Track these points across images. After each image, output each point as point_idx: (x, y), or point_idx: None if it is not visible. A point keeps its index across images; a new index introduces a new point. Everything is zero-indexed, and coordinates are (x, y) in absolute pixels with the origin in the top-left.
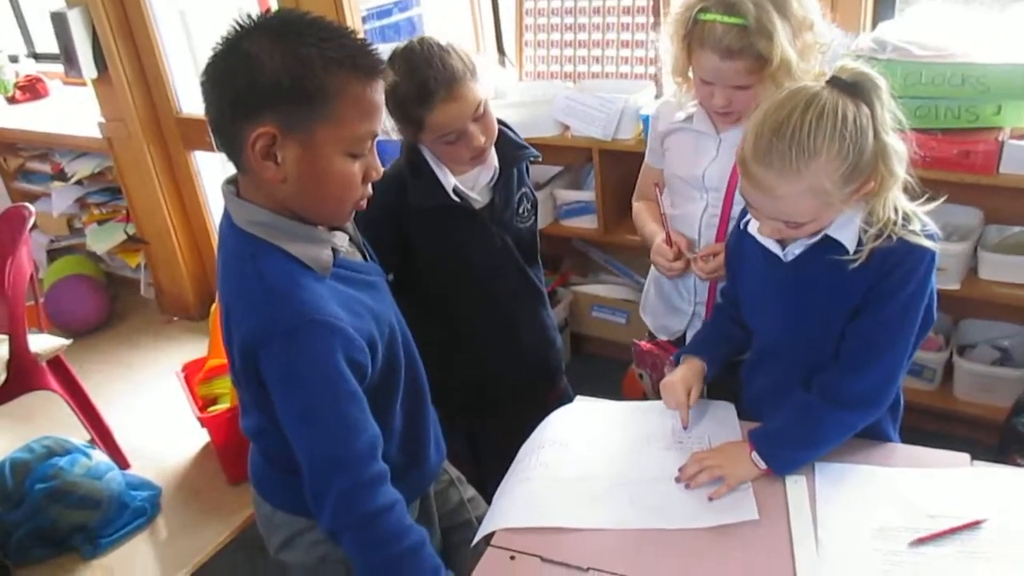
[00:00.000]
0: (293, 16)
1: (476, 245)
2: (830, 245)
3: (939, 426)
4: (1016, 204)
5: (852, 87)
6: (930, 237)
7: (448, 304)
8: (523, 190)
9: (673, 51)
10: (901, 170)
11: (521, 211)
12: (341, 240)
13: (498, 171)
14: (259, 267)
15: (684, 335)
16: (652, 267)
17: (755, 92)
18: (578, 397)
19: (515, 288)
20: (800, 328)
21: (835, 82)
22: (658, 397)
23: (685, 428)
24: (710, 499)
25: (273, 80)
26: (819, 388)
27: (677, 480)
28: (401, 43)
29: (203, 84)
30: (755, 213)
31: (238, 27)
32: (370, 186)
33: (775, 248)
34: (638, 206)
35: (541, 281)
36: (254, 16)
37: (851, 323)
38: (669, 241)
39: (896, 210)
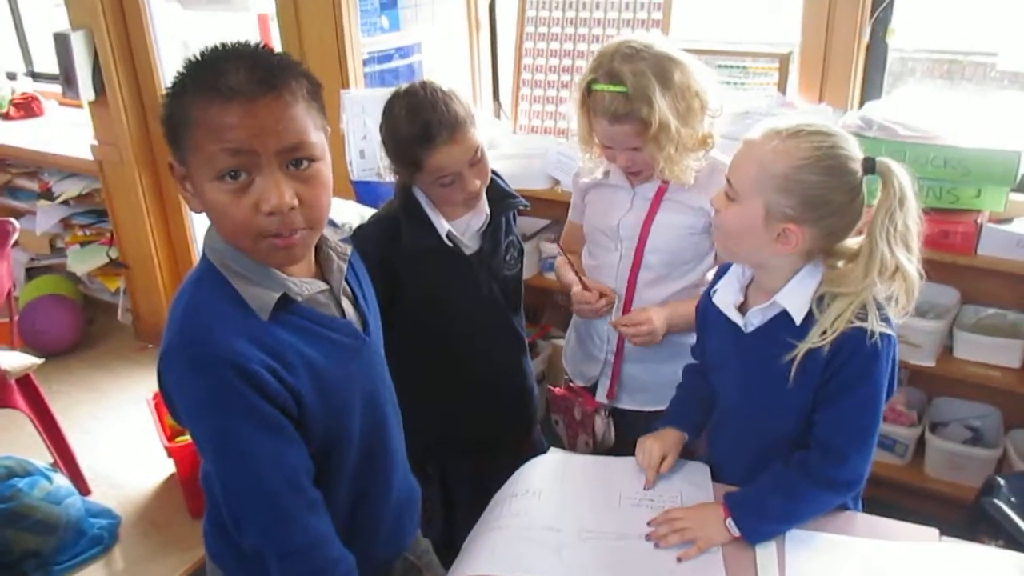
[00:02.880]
0: (207, 51)
1: (464, 290)
2: (787, 322)
3: (907, 501)
4: (992, 285)
5: (869, 161)
6: (886, 321)
7: (431, 346)
8: (511, 238)
9: (578, 120)
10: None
11: (508, 258)
12: (310, 287)
13: (489, 218)
14: (193, 291)
15: (597, 382)
16: (574, 315)
17: (650, 153)
18: (552, 449)
19: (498, 334)
20: (757, 396)
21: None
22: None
23: (645, 489)
24: (679, 560)
25: (163, 118)
26: (802, 469)
27: (647, 538)
28: (403, 85)
29: None
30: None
31: None
32: (281, 218)
33: (736, 318)
34: (560, 259)
35: (524, 329)
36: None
37: (824, 410)
38: (587, 289)
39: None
